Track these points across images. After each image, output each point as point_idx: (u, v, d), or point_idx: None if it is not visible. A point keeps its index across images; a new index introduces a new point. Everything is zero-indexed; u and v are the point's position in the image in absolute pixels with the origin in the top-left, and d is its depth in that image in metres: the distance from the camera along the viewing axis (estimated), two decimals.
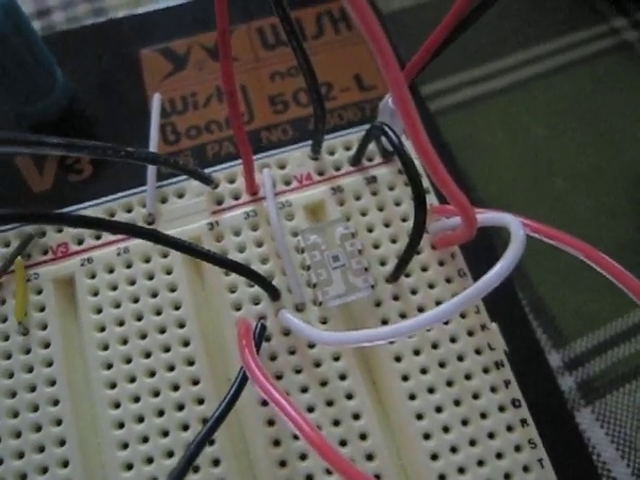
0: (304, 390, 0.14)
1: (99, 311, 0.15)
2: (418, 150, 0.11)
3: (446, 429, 0.14)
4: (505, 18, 0.24)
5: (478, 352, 0.15)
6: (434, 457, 0.14)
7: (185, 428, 0.14)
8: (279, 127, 0.19)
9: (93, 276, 0.15)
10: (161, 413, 0.14)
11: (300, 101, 0.19)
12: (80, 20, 0.22)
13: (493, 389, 0.15)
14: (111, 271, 0.15)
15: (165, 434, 0.14)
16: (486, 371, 0.15)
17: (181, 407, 0.14)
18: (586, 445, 0.17)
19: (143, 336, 0.15)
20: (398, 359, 0.14)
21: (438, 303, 0.15)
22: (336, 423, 0.14)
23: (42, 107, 0.18)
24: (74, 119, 0.19)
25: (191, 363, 0.14)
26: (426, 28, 0.14)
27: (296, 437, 0.14)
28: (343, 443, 0.14)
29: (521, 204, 0.21)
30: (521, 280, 0.19)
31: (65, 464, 0.14)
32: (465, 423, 0.14)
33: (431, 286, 0.15)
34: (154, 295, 0.15)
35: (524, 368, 0.16)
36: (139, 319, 0.15)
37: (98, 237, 0.16)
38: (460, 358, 0.15)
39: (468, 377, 0.15)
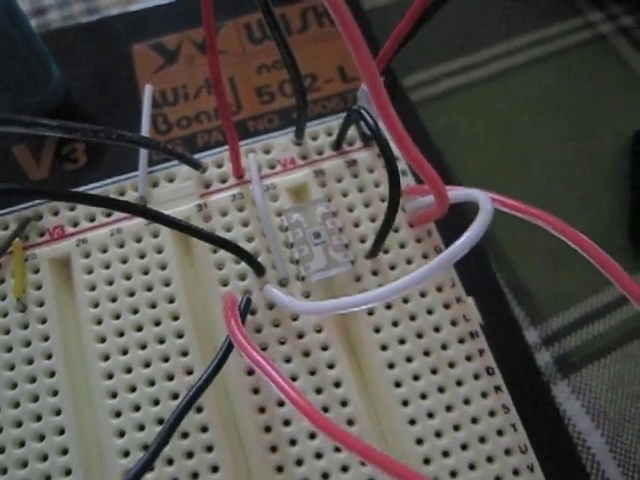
0: (288, 360, 0.15)
1: (93, 288, 0.16)
2: (388, 127, 0.12)
3: (423, 396, 0.15)
4: (485, 11, 0.25)
5: (454, 323, 0.16)
6: (412, 422, 0.15)
7: (175, 397, 0.15)
8: (265, 117, 0.19)
9: (87, 256, 0.16)
10: (152, 383, 0.15)
11: (285, 92, 0.20)
12: (75, 18, 0.23)
13: (468, 358, 0.15)
14: (105, 251, 0.16)
15: (156, 402, 0.15)
16: (461, 341, 0.15)
17: (171, 377, 0.15)
18: (562, 417, 0.17)
19: (135, 311, 0.15)
20: (377, 330, 0.15)
21: None
22: (318, 391, 0.15)
23: (38, 101, 0.19)
24: (69, 112, 0.19)
25: (180, 336, 0.15)
26: None
27: (281, 404, 0.15)
28: (325, 410, 0.15)
29: (500, 191, 0.22)
30: (499, 260, 0.20)
31: (61, 432, 0.14)
32: (441, 390, 0.15)
33: (409, 262, 0.16)
34: (145, 273, 0.16)
35: (502, 345, 0.16)
36: (131, 295, 0.16)
37: (92, 219, 0.17)
38: (436, 329, 0.15)
39: (444, 347, 0.15)
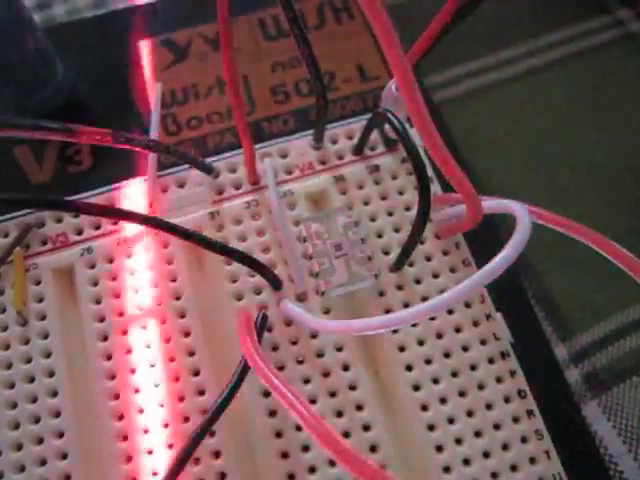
0: (306, 381, 0.14)
1: (99, 301, 0.15)
2: (421, 132, 0.11)
3: (451, 420, 0.14)
4: (509, 9, 0.24)
5: (483, 342, 0.15)
6: (439, 448, 0.14)
7: (186, 419, 0.14)
8: (280, 118, 0.18)
9: (93, 266, 0.15)
10: (161, 405, 0.14)
11: (301, 92, 0.19)
12: (81, 12, 0.22)
13: (499, 379, 0.14)
14: (111, 261, 0.15)
15: (165, 425, 0.14)
16: (491, 361, 0.14)
17: (181, 398, 0.14)
18: (593, 438, 0.16)
19: (144, 326, 0.14)
20: (402, 349, 0.14)
21: (442, 292, 0.15)
22: (339, 414, 0.14)
23: (42, 98, 0.18)
24: (74, 110, 0.19)
25: (192, 354, 0.14)
26: (429, 19, 0.13)
27: (298, 428, 0.14)
28: (346, 434, 0.14)
29: (524, 196, 0.21)
30: (527, 272, 0.19)
31: (64, 456, 0.13)
32: (470, 414, 0.14)
33: (435, 275, 0.15)
34: (154, 285, 0.15)
35: (530, 361, 0.16)
36: (140, 309, 0.15)
37: (98, 227, 0.16)
38: (465, 348, 0.14)
39: (473, 367, 0.14)
